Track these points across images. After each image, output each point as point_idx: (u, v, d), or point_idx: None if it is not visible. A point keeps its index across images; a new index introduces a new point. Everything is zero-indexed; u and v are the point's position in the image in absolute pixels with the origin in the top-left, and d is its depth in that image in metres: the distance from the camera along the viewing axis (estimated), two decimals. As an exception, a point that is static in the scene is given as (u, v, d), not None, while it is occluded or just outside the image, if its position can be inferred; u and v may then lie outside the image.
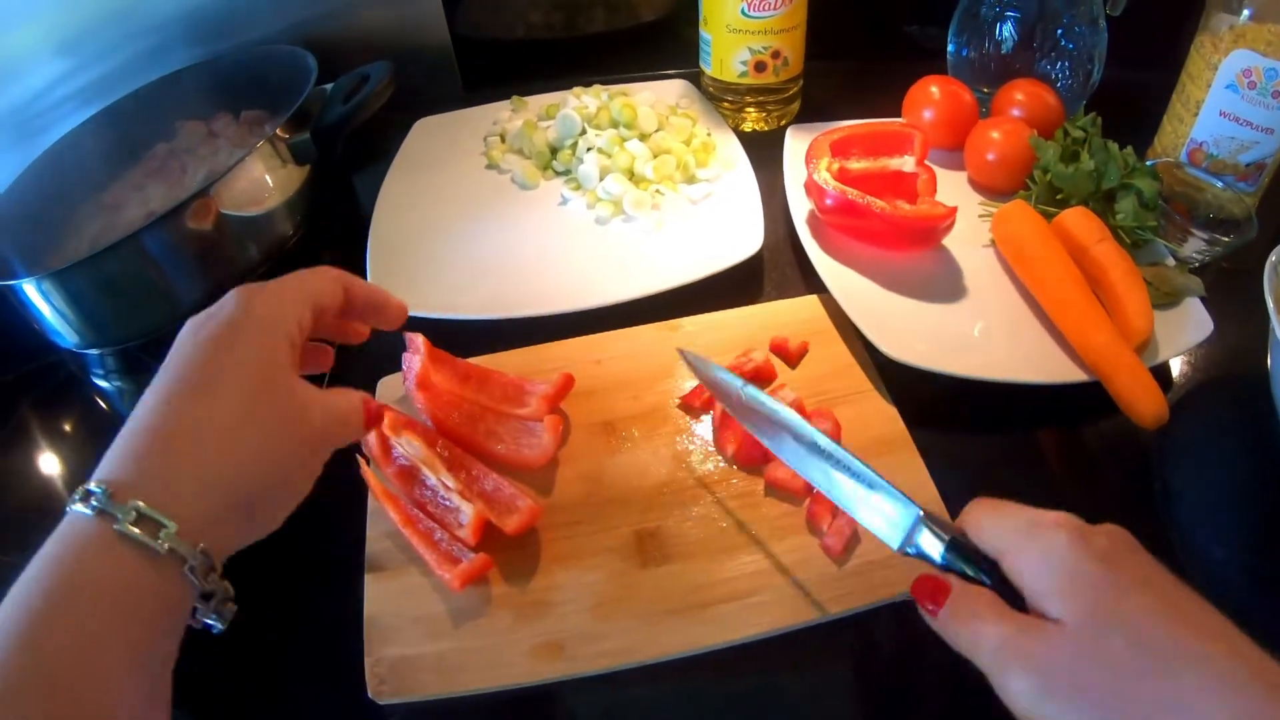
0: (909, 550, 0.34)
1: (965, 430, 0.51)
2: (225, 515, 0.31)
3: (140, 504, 0.28)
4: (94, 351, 0.63)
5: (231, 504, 0.31)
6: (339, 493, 0.49)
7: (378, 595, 0.43)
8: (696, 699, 0.41)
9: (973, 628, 0.30)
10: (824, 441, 0.38)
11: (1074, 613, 0.28)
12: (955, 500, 0.45)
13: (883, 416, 0.50)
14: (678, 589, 0.42)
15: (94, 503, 0.28)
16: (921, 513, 0.34)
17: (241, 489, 0.31)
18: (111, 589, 0.28)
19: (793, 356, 0.54)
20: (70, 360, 0.64)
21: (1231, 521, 0.48)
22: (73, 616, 0.27)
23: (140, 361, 0.62)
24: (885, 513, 0.35)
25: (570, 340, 0.56)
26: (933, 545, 0.33)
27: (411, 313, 0.57)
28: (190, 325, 0.35)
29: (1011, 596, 0.31)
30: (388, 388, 0.54)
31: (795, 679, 0.41)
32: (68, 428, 0.61)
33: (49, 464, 0.57)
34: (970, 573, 0.32)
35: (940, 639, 0.31)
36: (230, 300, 0.35)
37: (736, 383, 0.43)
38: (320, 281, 0.38)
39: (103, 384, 0.63)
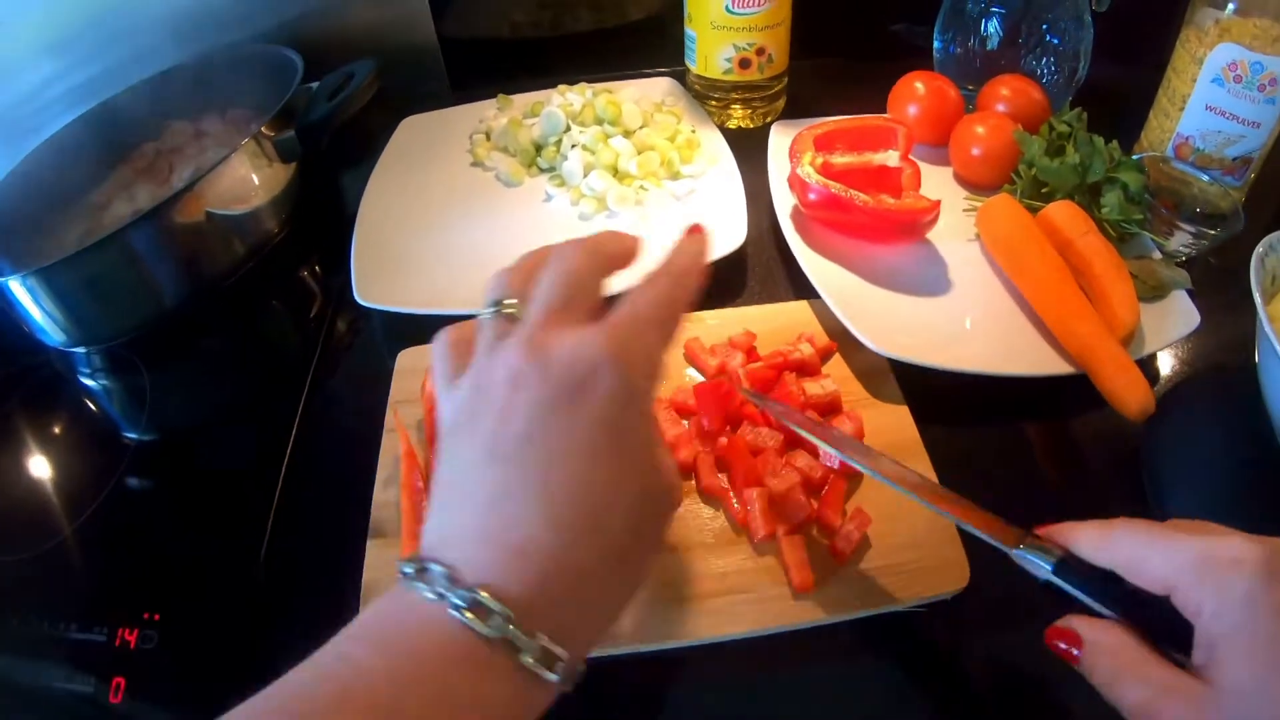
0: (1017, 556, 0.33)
1: (951, 422, 0.51)
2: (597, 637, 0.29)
3: (545, 638, 0.26)
4: (80, 350, 0.63)
5: (604, 628, 0.29)
6: (355, 455, 0.49)
7: (378, 562, 0.43)
8: (698, 690, 0.41)
9: (1112, 690, 0.28)
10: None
11: (1231, 676, 0.26)
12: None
13: (898, 421, 0.49)
14: (680, 577, 0.42)
15: (507, 631, 0.25)
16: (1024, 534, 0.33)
17: (612, 616, 0.30)
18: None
19: (820, 356, 0.53)
20: (57, 359, 0.64)
21: (1219, 513, 0.47)
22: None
23: (126, 360, 0.62)
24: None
25: None
26: (1038, 567, 0.32)
27: (395, 308, 0.58)
28: (562, 388, 0.28)
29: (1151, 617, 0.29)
30: (410, 357, 0.54)
31: (793, 677, 0.41)
32: (55, 427, 0.60)
33: (36, 463, 0.57)
34: (1083, 597, 0.31)
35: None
36: (614, 382, 0.28)
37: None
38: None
39: (89, 382, 0.63)
